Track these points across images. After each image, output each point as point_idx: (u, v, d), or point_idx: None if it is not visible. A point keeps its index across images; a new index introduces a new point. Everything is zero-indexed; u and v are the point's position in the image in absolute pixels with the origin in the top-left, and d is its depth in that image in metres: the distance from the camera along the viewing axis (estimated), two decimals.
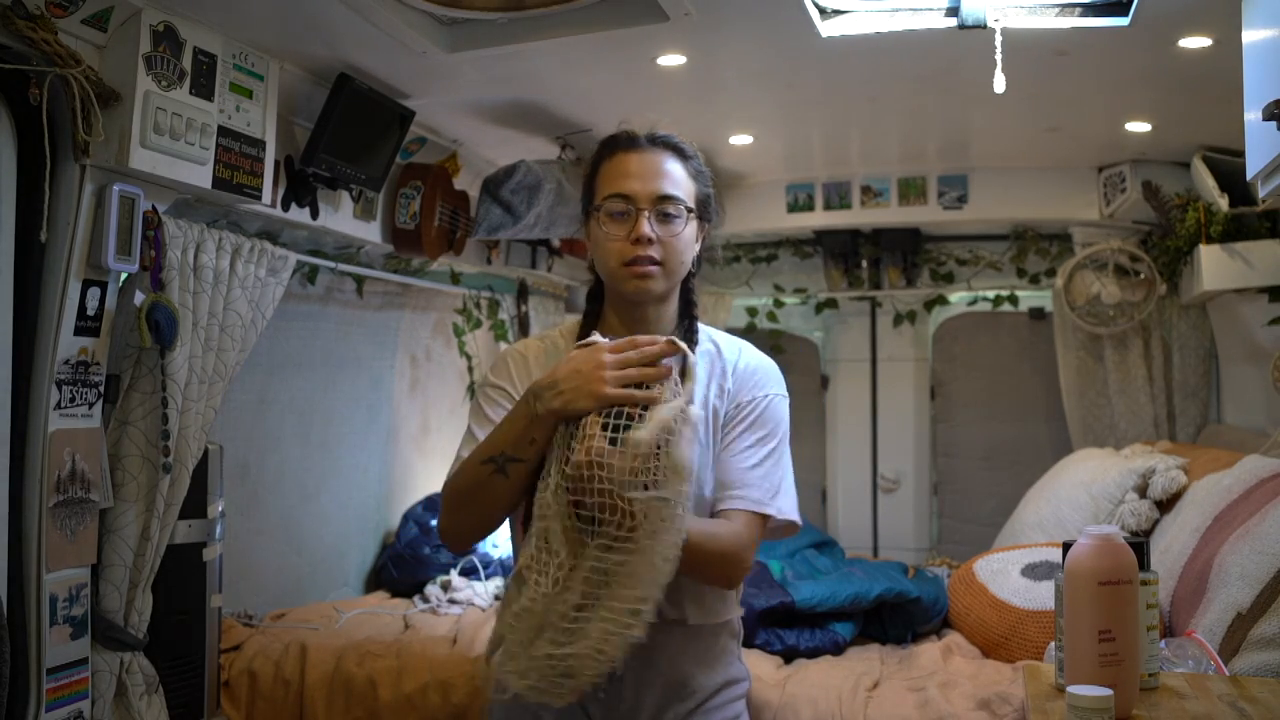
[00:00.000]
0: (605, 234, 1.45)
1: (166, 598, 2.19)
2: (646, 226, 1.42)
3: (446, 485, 1.43)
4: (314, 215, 2.54)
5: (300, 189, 2.47)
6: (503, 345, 3.84)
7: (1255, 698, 1.39)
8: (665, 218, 1.44)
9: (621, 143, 1.48)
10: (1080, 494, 2.89)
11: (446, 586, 3.05)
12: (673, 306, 1.52)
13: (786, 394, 1.53)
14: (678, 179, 1.47)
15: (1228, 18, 1.91)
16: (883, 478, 4.06)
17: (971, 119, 3.01)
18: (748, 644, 2.41)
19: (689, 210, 1.46)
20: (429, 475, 3.59)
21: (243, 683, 2.48)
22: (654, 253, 1.43)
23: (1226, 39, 2.02)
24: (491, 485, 1.34)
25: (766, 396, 1.50)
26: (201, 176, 2.06)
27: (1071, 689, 1.24)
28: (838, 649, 2.51)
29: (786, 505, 1.47)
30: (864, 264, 3.96)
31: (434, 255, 3.02)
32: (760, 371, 1.52)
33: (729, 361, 1.52)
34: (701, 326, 1.54)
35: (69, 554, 1.94)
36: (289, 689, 2.46)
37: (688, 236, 1.47)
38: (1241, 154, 1.91)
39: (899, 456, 4.06)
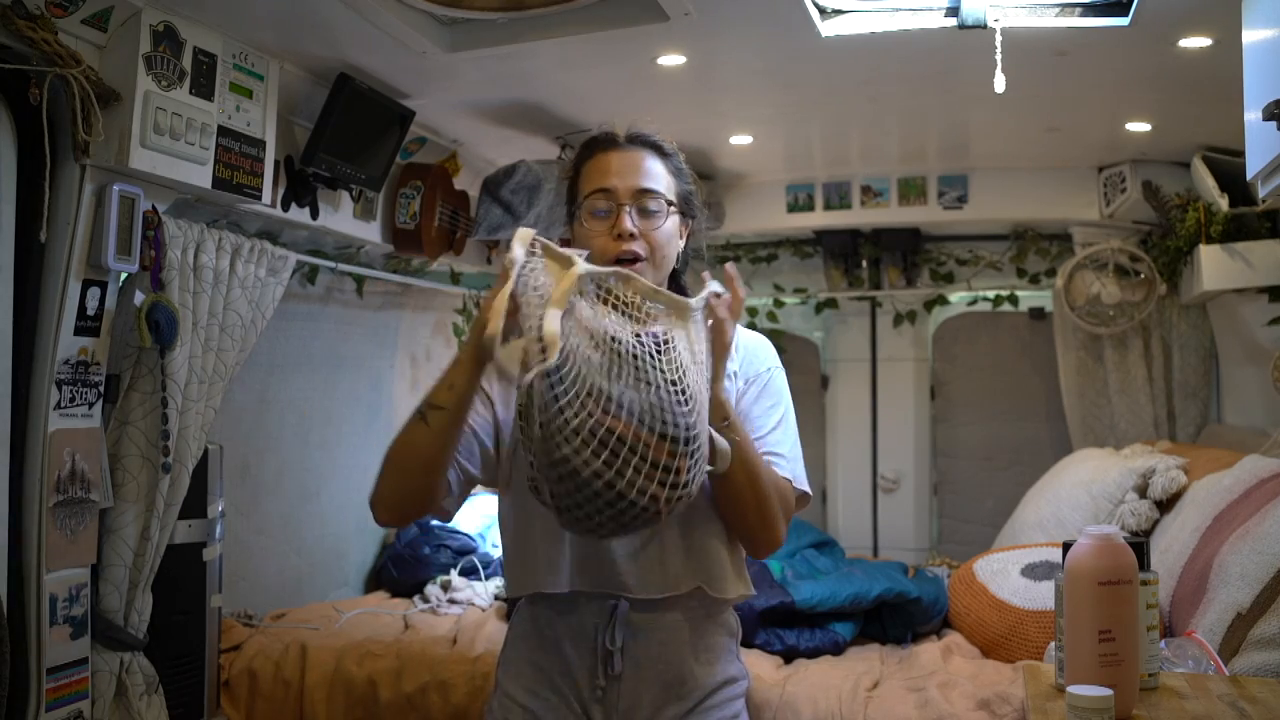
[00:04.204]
0: (588, 231, 1.47)
1: (166, 598, 2.19)
2: (628, 221, 1.44)
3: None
4: (314, 215, 2.54)
5: (300, 189, 2.47)
6: None
7: (1255, 698, 1.39)
8: (646, 212, 1.46)
9: (601, 142, 1.50)
10: (1080, 494, 2.89)
11: (446, 586, 3.05)
12: None
13: (781, 366, 1.57)
14: (657, 174, 1.49)
15: (1228, 18, 1.91)
16: (883, 478, 4.06)
17: (971, 119, 3.01)
18: (747, 644, 2.41)
19: (670, 204, 1.48)
20: None
21: (243, 683, 2.48)
22: (637, 248, 1.45)
23: (1226, 39, 2.01)
24: (412, 436, 1.33)
25: (768, 370, 1.55)
26: (201, 176, 2.06)
27: (1071, 689, 1.24)
28: (838, 649, 2.51)
29: (800, 473, 1.51)
30: (864, 264, 3.95)
31: (434, 255, 3.02)
32: (757, 348, 1.57)
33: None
34: None
35: (69, 554, 1.95)
36: (289, 689, 2.46)
37: (670, 230, 1.48)
38: (1241, 154, 1.91)
39: (899, 456, 4.06)
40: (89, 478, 1.98)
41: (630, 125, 1.51)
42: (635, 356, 1.21)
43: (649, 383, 1.21)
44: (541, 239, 1.27)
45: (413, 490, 1.37)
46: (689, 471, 1.22)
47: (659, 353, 1.23)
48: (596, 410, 1.18)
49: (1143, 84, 2.52)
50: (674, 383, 1.22)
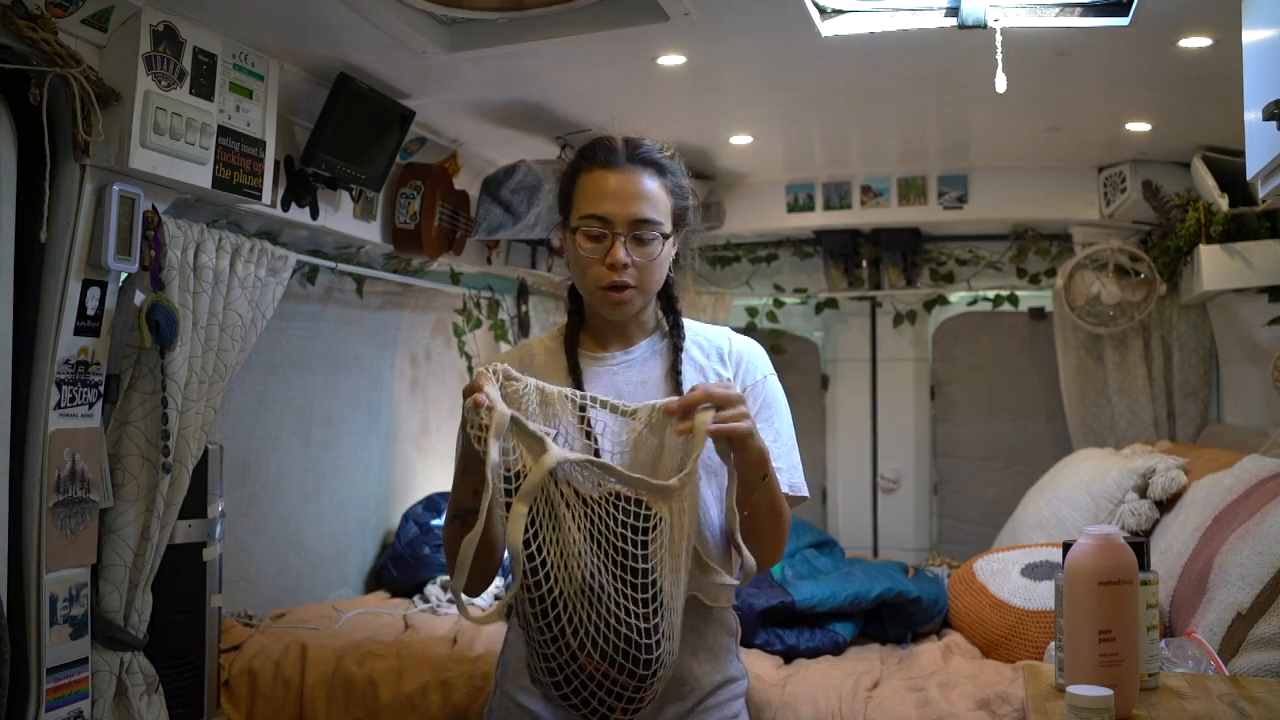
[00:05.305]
0: (581, 254, 1.45)
1: (166, 598, 2.19)
2: (622, 253, 1.43)
3: (444, 537, 1.46)
4: (314, 215, 2.54)
5: (300, 189, 2.47)
6: (503, 345, 3.84)
7: (1255, 698, 1.39)
8: (641, 241, 1.45)
9: (600, 158, 1.46)
10: (1080, 494, 2.89)
11: (446, 586, 3.05)
12: (651, 307, 1.54)
13: (774, 371, 1.57)
14: (655, 199, 1.46)
15: (1228, 18, 1.92)
16: (883, 478, 4.06)
17: (971, 119, 3.01)
18: (747, 644, 2.41)
19: (665, 235, 1.47)
20: (429, 475, 3.59)
21: (243, 683, 2.48)
22: (629, 278, 1.44)
23: (1226, 39, 2.02)
24: (460, 540, 1.29)
25: (764, 377, 1.54)
26: (201, 176, 2.06)
27: (1071, 689, 1.24)
28: (838, 649, 2.51)
29: (798, 480, 1.51)
30: (864, 264, 3.96)
31: (434, 255, 3.02)
32: (750, 355, 1.56)
33: (720, 349, 1.55)
34: (686, 321, 1.56)
35: (69, 554, 1.94)
36: (289, 689, 2.46)
37: (664, 256, 1.48)
38: (1241, 154, 1.91)
39: (899, 456, 4.06)
40: (89, 478, 1.98)
41: (630, 135, 1.48)
42: (610, 566, 1.22)
43: (624, 609, 1.22)
44: (518, 417, 1.22)
45: (488, 573, 1.43)
46: (652, 692, 1.27)
47: (638, 547, 1.22)
48: (567, 631, 1.22)
49: (1143, 84, 2.52)
50: (646, 603, 1.22)
